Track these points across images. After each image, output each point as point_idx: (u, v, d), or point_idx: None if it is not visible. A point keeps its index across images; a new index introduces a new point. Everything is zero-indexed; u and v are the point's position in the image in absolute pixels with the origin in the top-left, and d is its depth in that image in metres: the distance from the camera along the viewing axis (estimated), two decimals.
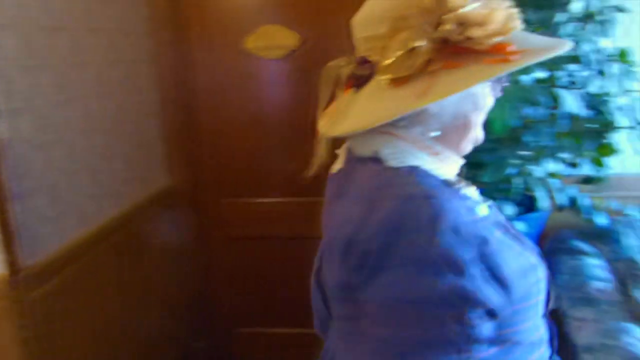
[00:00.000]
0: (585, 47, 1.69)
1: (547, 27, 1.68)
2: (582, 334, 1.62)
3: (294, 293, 2.41)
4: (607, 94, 1.76)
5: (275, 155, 2.30)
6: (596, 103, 1.73)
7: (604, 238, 1.91)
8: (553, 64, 1.64)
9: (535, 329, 0.81)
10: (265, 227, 2.36)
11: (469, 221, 0.70)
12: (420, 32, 0.70)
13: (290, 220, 2.33)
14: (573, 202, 1.79)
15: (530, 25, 1.71)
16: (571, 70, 1.73)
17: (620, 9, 1.72)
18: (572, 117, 1.74)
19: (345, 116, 0.78)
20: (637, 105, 1.72)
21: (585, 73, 1.68)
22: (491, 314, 0.71)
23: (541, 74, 1.50)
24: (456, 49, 0.70)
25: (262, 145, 2.30)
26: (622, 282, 1.79)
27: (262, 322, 2.48)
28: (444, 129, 0.79)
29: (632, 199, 2.06)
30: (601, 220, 1.78)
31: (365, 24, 0.78)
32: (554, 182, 1.66)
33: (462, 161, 0.85)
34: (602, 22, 1.70)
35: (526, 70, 1.48)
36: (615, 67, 1.69)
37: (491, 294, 0.70)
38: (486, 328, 0.71)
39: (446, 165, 0.80)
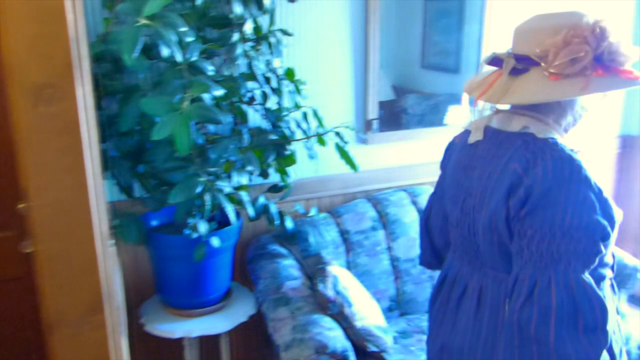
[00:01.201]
0: (260, 66, 1.81)
1: (224, 46, 1.74)
2: (280, 334, 1.73)
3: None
4: (283, 109, 1.92)
5: None
6: (275, 118, 1.88)
7: (295, 239, 2.10)
8: (232, 82, 1.71)
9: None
10: None
11: (593, 175, 1.06)
12: (585, 48, 1.04)
13: None
14: (264, 211, 1.90)
15: (209, 43, 1.74)
16: (250, 87, 1.84)
17: (285, 32, 1.90)
18: (255, 132, 1.85)
19: (507, 92, 1.11)
20: (308, 118, 1.93)
21: (258, 91, 1.80)
22: (606, 243, 1.06)
23: (219, 92, 1.53)
24: (603, 65, 1.05)
25: None
26: (310, 277, 2.00)
27: None
28: (560, 115, 1.14)
29: (314, 199, 2.32)
30: (289, 224, 1.94)
31: (539, 31, 1.09)
32: (244, 195, 1.73)
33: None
34: (271, 44, 1.85)
35: (205, 89, 1.49)
36: (285, 85, 1.86)
37: (608, 229, 1.04)
38: (606, 255, 1.08)
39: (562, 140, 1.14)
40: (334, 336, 1.70)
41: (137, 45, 1.40)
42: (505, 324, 1.08)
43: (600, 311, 1.01)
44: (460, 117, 2.67)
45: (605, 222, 1.04)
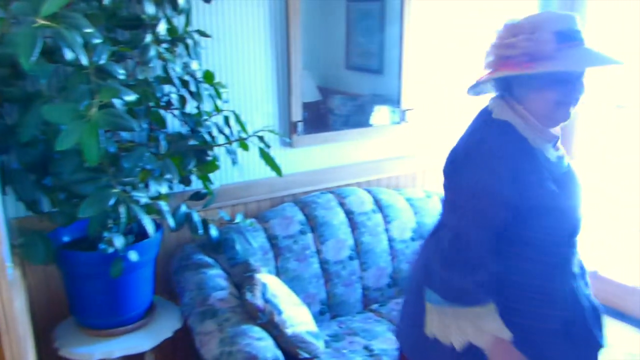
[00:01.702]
0: (177, 69, 1.73)
1: (136, 48, 1.64)
2: (208, 348, 1.67)
3: None
4: (203, 114, 1.85)
5: None
6: (194, 123, 1.80)
7: (221, 247, 2.03)
8: (146, 86, 1.62)
9: None
10: None
11: (525, 166, 1.24)
12: (487, 49, 1.30)
13: None
14: (187, 220, 1.82)
15: (119, 45, 1.64)
16: (167, 91, 1.75)
17: (202, 34, 1.83)
18: (172, 138, 1.77)
19: None
20: (230, 122, 1.87)
21: (175, 95, 1.72)
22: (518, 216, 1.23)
23: (131, 97, 1.44)
24: (505, 61, 1.25)
25: None
26: (238, 286, 1.94)
27: None
28: (526, 103, 1.28)
29: (240, 205, 2.26)
30: (213, 232, 1.87)
31: None
32: (163, 204, 1.64)
33: (545, 127, 1.30)
34: (188, 45, 1.77)
35: (115, 94, 1.40)
36: (205, 88, 1.79)
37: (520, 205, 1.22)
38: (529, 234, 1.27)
39: (528, 126, 1.28)
40: (264, 346, 1.65)
41: (35, 48, 1.28)
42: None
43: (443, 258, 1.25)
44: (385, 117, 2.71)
45: (514, 198, 1.21)
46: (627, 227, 3.05)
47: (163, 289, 2.09)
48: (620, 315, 3.03)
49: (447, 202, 1.32)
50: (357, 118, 2.72)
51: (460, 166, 1.28)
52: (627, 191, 3.00)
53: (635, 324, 2.96)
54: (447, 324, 1.28)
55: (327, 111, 2.71)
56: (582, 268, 1.40)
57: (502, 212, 1.22)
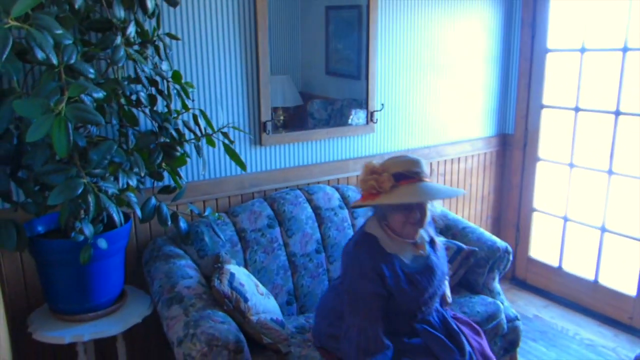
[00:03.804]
0: (146, 70, 1.84)
1: (106, 49, 1.75)
2: (174, 331, 1.76)
3: None
4: (174, 112, 1.96)
5: None
6: (161, 120, 1.91)
7: (190, 239, 2.13)
8: (114, 84, 1.72)
9: None
10: None
11: (382, 266, 1.72)
12: (359, 184, 1.80)
13: None
14: (156, 212, 1.92)
15: (91, 47, 1.75)
16: (137, 90, 1.86)
17: (173, 37, 1.95)
18: (140, 134, 1.87)
19: None
20: (197, 120, 1.98)
21: (144, 94, 1.83)
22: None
23: (99, 94, 1.55)
24: (367, 193, 1.75)
25: None
26: (206, 276, 2.04)
27: None
28: (388, 221, 1.78)
29: (211, 201, 2.37)
30: (182, 224, 1.97)
31: None
32: (131, 196, 1.74)
33: (407, 241, 1.81)
34: (158, 47, 1.88)
35: (83, 90, 1.50)
36: (173, 87, 1.90)
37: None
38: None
39: (390, 240, 1.78)
40: (227, 328, 1.74)
41: (6, 47, 1.39)
42: None
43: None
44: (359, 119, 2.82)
45: (383, 290, 1.71)
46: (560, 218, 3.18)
47: (136, 280, 2.19)
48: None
49: (346, 297, 1.76)
50: (328, 120, 2.84)
51: (348, 269, 1.76)
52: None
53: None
54: None
55: (306, 114, 2.83)
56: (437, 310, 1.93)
57: (380, 302, 1.71)
